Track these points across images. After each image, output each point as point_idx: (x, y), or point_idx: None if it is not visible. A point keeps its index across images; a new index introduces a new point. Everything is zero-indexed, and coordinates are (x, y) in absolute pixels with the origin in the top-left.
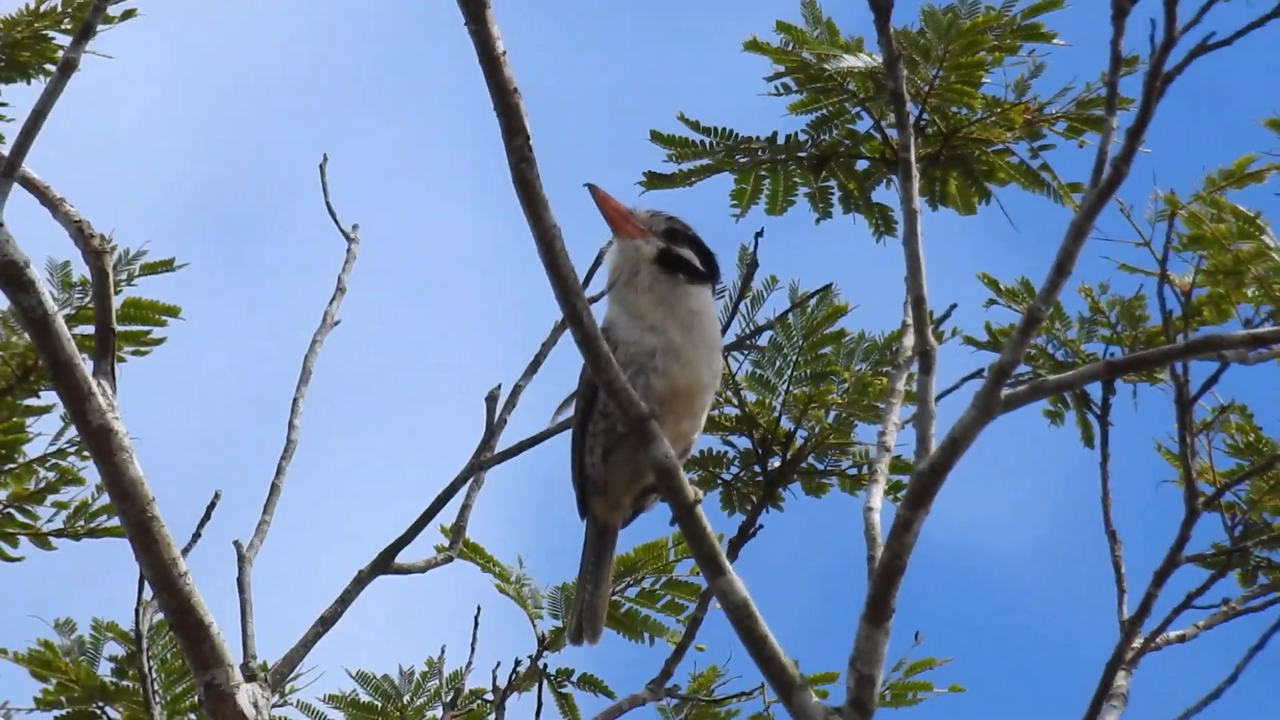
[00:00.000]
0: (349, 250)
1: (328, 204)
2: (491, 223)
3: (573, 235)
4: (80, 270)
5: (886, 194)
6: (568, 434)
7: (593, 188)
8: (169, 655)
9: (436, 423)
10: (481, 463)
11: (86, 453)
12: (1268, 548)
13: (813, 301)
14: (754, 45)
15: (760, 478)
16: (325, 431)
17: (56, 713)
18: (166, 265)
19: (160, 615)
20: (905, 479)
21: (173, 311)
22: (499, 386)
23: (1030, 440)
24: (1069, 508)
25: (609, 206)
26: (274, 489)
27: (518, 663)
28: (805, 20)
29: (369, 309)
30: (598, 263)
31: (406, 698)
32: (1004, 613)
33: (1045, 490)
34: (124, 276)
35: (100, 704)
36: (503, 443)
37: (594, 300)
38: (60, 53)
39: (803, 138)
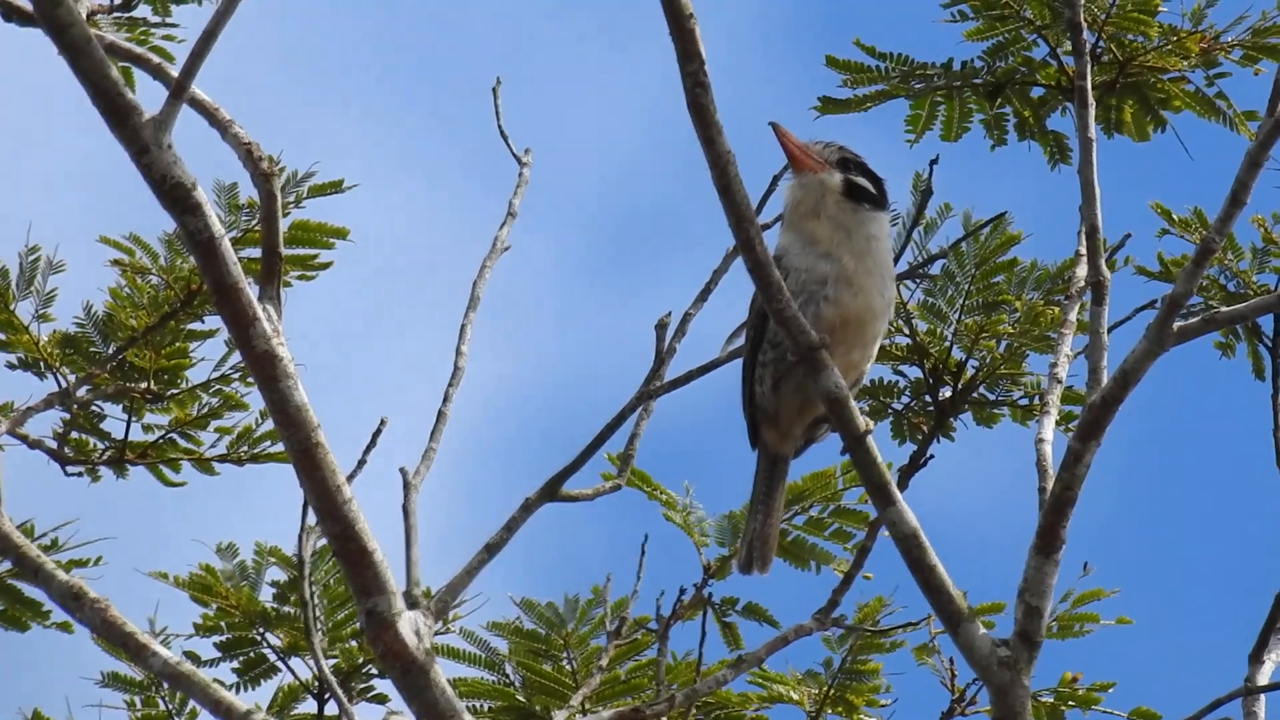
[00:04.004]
0: (520, 175)
1: (500, 127)
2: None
3: (745, 163)
4: (248, 192)
5: (1061, 121)
6: (738, 363)
7: (775, 125)
8: (331, 581)
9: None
10: (650, 391)
11: (250, 378)
12: None
13: (986, 230)
14: None
15: (931, 408)
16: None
17: (216, 638)
18: (335, 186)
19: (323, 541)
20: (1077, 410)
21: (341, 234)
22: (669, 314)
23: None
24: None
25: (790, 143)
26: (440, 416)
27: (682, 591)
28: None
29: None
30: (770, 190)
31: (571, 625)
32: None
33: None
34: (292, 199)
35: (261, 629)
36: (672, 371)
37: (766, 227)
38: None
39: (978, 64)
